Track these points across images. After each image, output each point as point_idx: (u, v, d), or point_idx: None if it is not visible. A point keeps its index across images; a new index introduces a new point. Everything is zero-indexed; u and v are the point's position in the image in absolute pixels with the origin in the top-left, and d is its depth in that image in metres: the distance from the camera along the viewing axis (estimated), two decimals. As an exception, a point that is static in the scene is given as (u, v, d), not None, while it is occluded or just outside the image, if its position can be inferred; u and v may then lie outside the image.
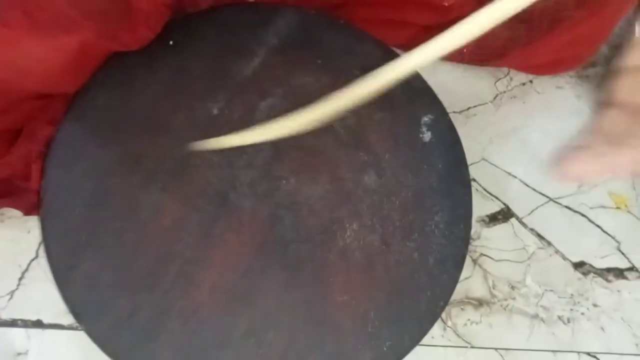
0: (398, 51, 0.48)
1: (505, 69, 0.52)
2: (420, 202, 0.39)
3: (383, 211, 0.38)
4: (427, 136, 0.42)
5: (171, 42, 0.42)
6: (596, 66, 0.54)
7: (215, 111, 0.40)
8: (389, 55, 0.45)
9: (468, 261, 0.44)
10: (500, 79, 0.52)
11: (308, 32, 0.44)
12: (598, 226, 0.47)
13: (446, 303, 0.37)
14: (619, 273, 0.46)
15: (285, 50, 0.43)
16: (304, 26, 0.44)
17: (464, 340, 0.42)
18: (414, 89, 0.44)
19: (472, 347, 0.42)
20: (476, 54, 0.49)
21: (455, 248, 0.39)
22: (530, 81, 0.52)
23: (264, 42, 0.43)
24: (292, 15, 0.45)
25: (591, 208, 0.48)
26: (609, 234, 0.47)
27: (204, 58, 0.42)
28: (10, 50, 0.35)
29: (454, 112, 0.50)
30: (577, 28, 0.46)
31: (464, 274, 0.43)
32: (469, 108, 0.50)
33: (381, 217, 0.39)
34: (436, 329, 0.41)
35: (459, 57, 0.49)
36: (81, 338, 0.38)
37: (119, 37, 0.39)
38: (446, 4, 0.44)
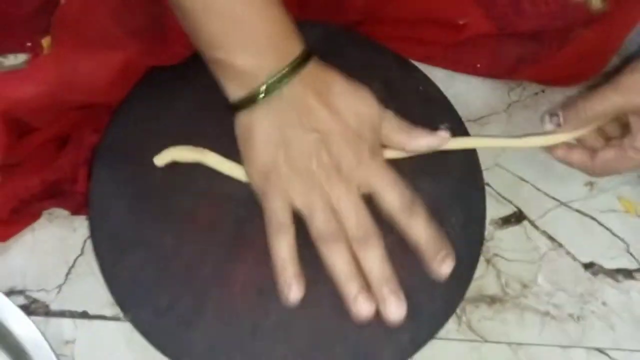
0: (416, 64, 0.51)
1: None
2: (437, 206, 0.42)
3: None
4: (444, 144, 0.45)
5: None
6: (607, 76, 0.56)
7: (245, 121, 0.43)
8: (407, 68, 0.48)
9: (482, 261, 0.46)
10: (513, 89, 0.55)
11: (331, 46, 0.47)
12: (608, 229, 0.49)
13: (461, 299, 0.40)
14: (628, 274, 0.48)
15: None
16: (327, 40, 0.47)
17: (477, 335, 0.44)
18: (432, 99, 0.47)
19: (486, 341, 0.44)
20: (489, 69, 0.52)
21: (469, 249, 0.41)
22: (543, 91, 0.55)
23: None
24: (317, 30, 0.48)
25: (601, 212, 0.50)
26: (618, 237, 0.49)
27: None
28: (62, 66, 0.39)
29: (469, 120, 0.52)
30: (587, 44, 0.49)
31: (478, 272, 0.46)
32: (482, 117, 0.53)
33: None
34: (451, 324, 0.44)
35: (473, 71, 0.52)
36: (124, 327, 0.41)
37: (156, 54, 0.42)
38: (461, 22, 0.47)
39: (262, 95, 0.37)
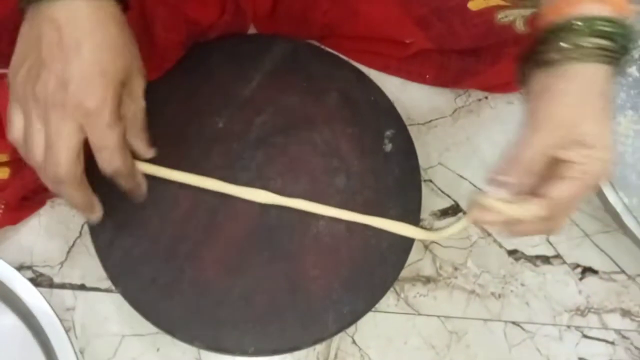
0: (374, 73, 0.59)
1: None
2: (379, 200, 0.50)
3: (349, 206, 0.49)
4: (388, 147, 0.52)
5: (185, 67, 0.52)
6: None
7: (220, 125, 0.51)
8: (363, 80, 0.55)
9: (420, 246, 0.54)
10: (460, 95, 0.62)
11: (297, 59, 0.55)
12: (532, 221, 0.57)
13: (395, 279, 0.48)
14: (546, 259, 0.56)
15: (277, 74, 0.53)
16: (294, 54, 0.55)
17: (413, 309, 0.52)
18: (382, 108, 0.54)
19: (419, 314, 0.52)
20: (436, 79, 0.59)
21: (405, 236, 0.49)
22: (486, 97, 0.62)
23: (261, 67, 0.53)
24: (285, 44, 0.55)
25: (527, 206, 0.58)
26: (540, 228, 0.57)
27: (211, 81, 0.52)
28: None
29: (419, 123, 0.60)
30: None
31: (417, 256, 0.54)
32: (431, 120, 0.60)
33: (348, 211, 0.49)
34: (391, 300, 0.52)
35: (423, 80, 0.59)
36: (115, 298, 0.49)
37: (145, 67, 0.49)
38: (407, 41, 0.54)
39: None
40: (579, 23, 0.36)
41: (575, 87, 0.37)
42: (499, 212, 0.38)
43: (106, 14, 0.36)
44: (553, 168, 0.37)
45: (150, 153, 0.43)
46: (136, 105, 0.39)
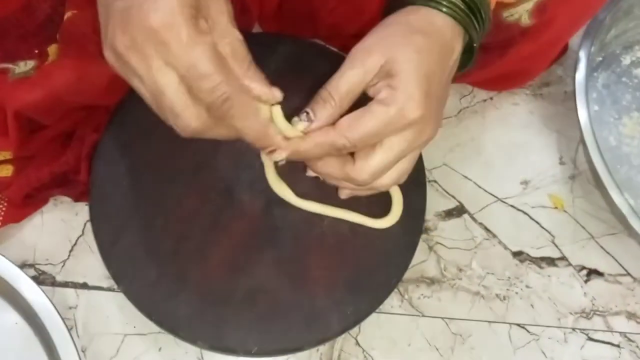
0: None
1: (469, 87, 0.62)
2: (383, 200, 0.49)
3: (353, 206, 0.49)
4: (393, 147, 0.52)
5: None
6: (550, 85, 0.64)
7: (224, 123, 0.51)
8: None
9: (425, 247, 0.54)
10: (464, 95, 0.62)
11: (302, 59, 0.54)
12: (537, 222, 0.57)
13: (399, 280, 0.48)
14: (551, 261, 0.56)
15: (282, 74, 0.53)
16: (299, 54, 0.54)
17: (416, 310, 0.52)
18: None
19: (423, 316, 0.52)
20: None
21: (409, 237, 0.49)
22: (491, 98, 0.62)
23: (265, 67, 0.52)
24: (290, 44, 0.54)
25: (532, 207, 0.58)
26: (545, 229, 0.57)
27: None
28: (67, 74, 0.45)
29: (423, 124, 0.59)
30: (525, 51, 0.55)
31: (421, 257, 0.54)
32: (436, 121, 0.60)
33: (352, 211, 0.49)
34: (395, 301, 0.52)
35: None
36: (117, 297, 0.49)
37: None
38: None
39: None
40: None
41: (408, 22, 0.35)
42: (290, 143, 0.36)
43: None
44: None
45: (275, 94, 0.35)
46: (229, 38, 0.31)
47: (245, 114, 0.32)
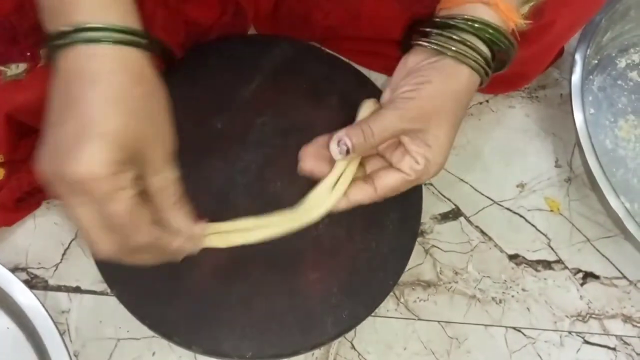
0: (371, 79, 0.58)
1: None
2: (379, 204, 0.49)
3: (349, 210, 0.48)
4: (389, 149, 0.52)
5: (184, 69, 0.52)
6: (546, 88, 0.64)
7: (219, 126, 0.50)
8: (364, 82, 0.55)
9: (420, 251, 0.54)
10: (461, 98, 0.61)
11: (297, 61, 0.54)
12: (533, 225, 0.57)
13: (395, 283, 0.47)
14: (547, 264, 0.56)
15: (277, 76, 0.53)
16: (294, 56, 0.54)
17: (412, 313, 0.52)
18: (382, 110, 0.54)
19: (419, 319, 0.52)
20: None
21: (405, 240, 0.49)
22: (487, 101, 0.62)
23: (261, 69, 0.53)
24: (286, 46, 0.54)
25: (528, 210, 0.57)
26: (541, 232, 0.57)
27: (212, 82, 0.52)
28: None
29: (419, 126, 0.59)
30: (521, 54, 0.55)
31: (417, 260, 0.54)
32: (431, 123, 0.60)
33: (348, 215, 0.48)
34: (391, 304, 0.52)
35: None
36: (110, 301, 0.48)
37: None
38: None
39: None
40: (467, 22, 0.37)
41: (444, 81, 0.37)
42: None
43: (122, 63, 0.30)
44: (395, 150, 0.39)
45: (196, 228, 0.36)
46: (159, 176, 0.32)
47: (160, 251, 0.34)
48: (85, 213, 0.30)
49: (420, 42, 0.39)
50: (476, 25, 0.37)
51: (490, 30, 0.38)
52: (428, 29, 0.39)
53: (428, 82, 0.37)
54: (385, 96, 0.41)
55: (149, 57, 0.32)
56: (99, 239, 0.31)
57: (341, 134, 0.38)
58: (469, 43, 0.37)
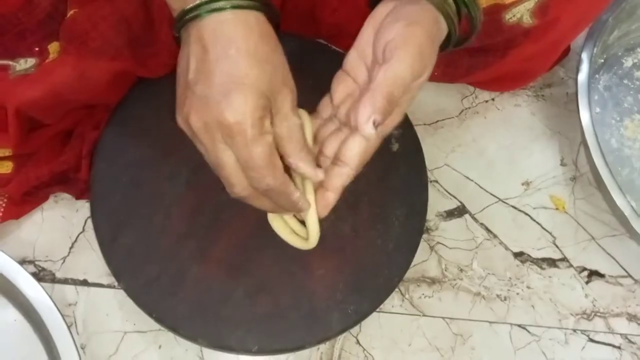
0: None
1: (471, 88, 0.62)
2: (385, 200, 0.49)
3: (355, 206, 0.49)
4: (395, 146, 0.52)
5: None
6: (552, 87, 0.64)
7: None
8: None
9: (426, 247, 0.54)
10: (466, 96, 0.62)
11: (304, 58, 0.54)
12: (538, 223, 0.57)
13: (400, 279, 0.48)
14: (552, 262, 0.56)
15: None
16: (301, 52, 0.54)
17: (417, 310, 0.52)
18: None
19: (424, 315, 0.52)
20: (445, 75, 0.58)
21: (411, 237, 0.49)
22: (493, 99, 0.62)
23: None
24: (292, 42, 0.54)
25: (534, 208, 0.57)
26: (546, 230, 0.57)
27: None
28: (68, 72, 0.45)
29: (425, 124, 0.59)
30: (528, 50, 0.55)
31: (422, 257, 0.54)
32: (437, 121, 0.60)
33: (353, 211, 0.49)
34: (396, 300, 0.52)
35: (432, 78, 0.59)
36: (117, 294, 0.49)
37: (147, 65, 0.49)
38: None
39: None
40: None
41: (430, 23, 0.37)
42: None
43: (247, 24, 0.34)
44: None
45: (318, 174, 0.37)
46: (288, 122, 0.35)
47: (281, 198, 0.37)
48: (228, 156, 0.34)
49: None
50: None
51: None
52: None
53: (417, 23, 0.36)
54: (352, 56, 0.41)
55: (265, 19, 0.35)
56: (237, 181, 0.35)
57: (371, 113, 0.35)
58: None
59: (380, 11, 0.39)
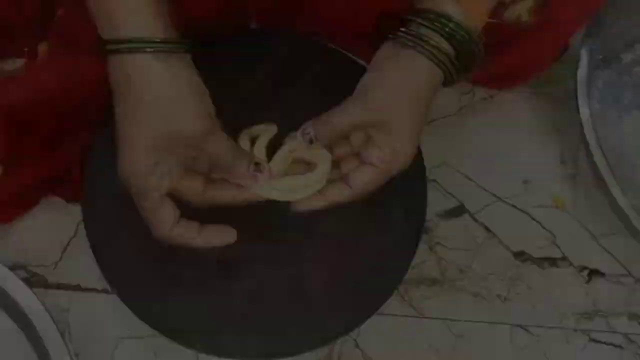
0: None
1: (469, 85, 0.61)
2: (384, 200, 0.48)
3: (354, 206, 0.48)
4: (393, 145, 0.51)
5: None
6: (551, 84, 0.63)
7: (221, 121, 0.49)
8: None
9: (425, 248, 0.53)
10: (465, 94, 0.61)
11: (302, 56, 0.53)
12: (538, 222, 0.56)
13: (400, 281, 0.47)
14: (553, 262, 0.55)
15: (282, 70, 0.52)
16: (299, 50, 0.53)
17: (417, 311, 0.51)
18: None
19: (424, 317, 0.51)
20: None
21: (410, 237, 0.48)
22: (491, 96, 0.61)
23: (264, 63, 0.52)
24: (291, 40, 0.53)
25: (534, 207, 0.57)
26: (547, 229, 0.56)
27: (216, 76, 0.51)
28: (58, 72, 0.44)
29: (423, 122, 0.59)
30: (525, 48, 0.54)
31: (421, 257, 0.53)
32: (435, 119, 0.59)
33: (352, 212, 0.48)
34: (395, 302, 0.51)
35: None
36: (111, 299, 0.48)
37: None
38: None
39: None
40: (430, 15, 0.37)
41: (402, 74, 0.38)
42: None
43: (174, 74, 0.35)
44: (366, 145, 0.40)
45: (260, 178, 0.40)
46: (210, 150, 0.37)
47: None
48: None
49: (388, 36, 0.40)
50: (431, 16, 0.37)
51: (451, 25, 0.37)
52: (394, 24, 0.39)
53: (387, 74, 0.39)
54: None
55: (187, 58, 0.36)
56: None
57: (307, 124, 0.40)
58: (425, 37, 0.37)
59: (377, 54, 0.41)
